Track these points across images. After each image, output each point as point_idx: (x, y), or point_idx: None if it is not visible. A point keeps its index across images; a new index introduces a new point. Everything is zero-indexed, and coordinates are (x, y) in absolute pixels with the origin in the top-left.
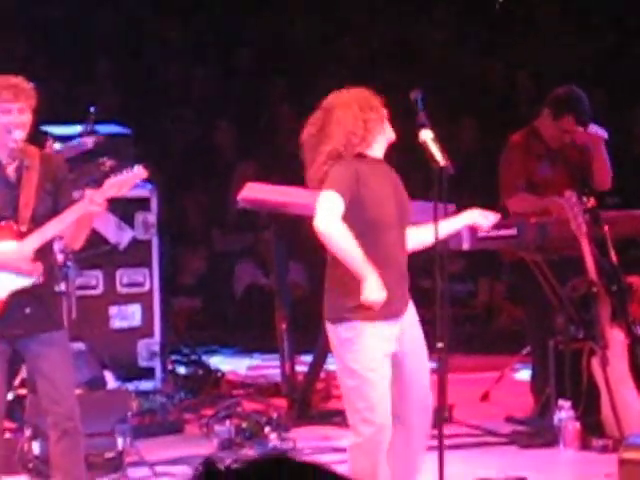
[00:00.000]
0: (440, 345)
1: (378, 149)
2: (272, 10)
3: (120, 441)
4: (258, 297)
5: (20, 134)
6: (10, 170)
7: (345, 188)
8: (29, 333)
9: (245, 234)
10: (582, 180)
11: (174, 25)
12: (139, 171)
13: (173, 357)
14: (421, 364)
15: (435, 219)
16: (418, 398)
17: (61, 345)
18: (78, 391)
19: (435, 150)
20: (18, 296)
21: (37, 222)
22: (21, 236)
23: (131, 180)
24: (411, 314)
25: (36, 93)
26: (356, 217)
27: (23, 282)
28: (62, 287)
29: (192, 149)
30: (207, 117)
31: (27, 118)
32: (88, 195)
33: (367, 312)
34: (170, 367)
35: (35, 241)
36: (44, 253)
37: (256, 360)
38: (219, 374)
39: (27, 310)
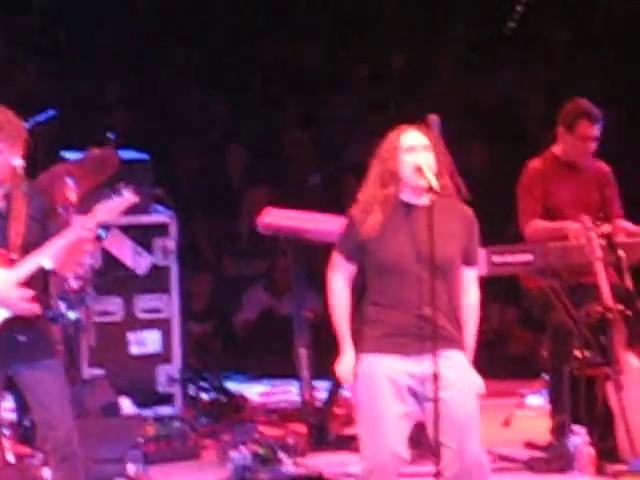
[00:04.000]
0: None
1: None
2: (286, 34)
3: (131, 467)
4: (270, 322)
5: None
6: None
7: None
8: (23, 360)
9: (256, 259)
10: (599, 205)
11: (187, 49)
12: (129, 196)
13: (198, 383)
14: (457, 412)
15: None
16: (455, 447)
17: (55, 371)
18: (88, 418)
19: (430, 176)
20: (10, 323)
21: (28, 250)
22: (11, 264)
23: (121, 205)
24: (452, 360)
25: (22, 130)
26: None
27: (13, 311)
28: (78, 313)
29: (203, 174)
30: (218, 142)
31: (2, 159)
32: (78, 221)
33: (370, 343)
34: (192, 393)
35: (25, 268)
36: (35, 280)
37: (267, 386)
38: (241, 400)
39: (21, 338)
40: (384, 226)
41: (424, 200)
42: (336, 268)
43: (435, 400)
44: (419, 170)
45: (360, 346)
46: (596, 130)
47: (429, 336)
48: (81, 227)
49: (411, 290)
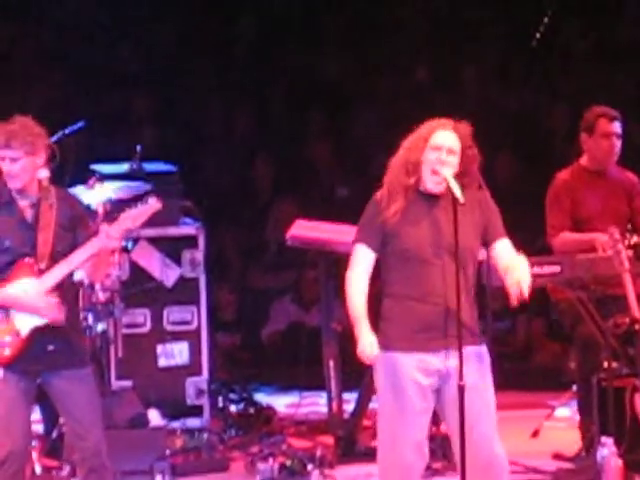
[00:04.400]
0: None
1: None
2: (310, 46)
3: (159, 479)
4: (297, 334)
5: (21, 180)
6: (26, 209)
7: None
8: (52, 370)
9: (283, 272)
10: (627, 216)
11: (212, 63)
12: (154, 203)
13: (227, 394)
14: (476, 410)
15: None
16: (474, 449)
17: (85, 381)
18: (116, 429)
19: (455, 187)
20: (40, 333)
21: (56, 259)
22: (40, 273)
23: (146, 212)
24: (473, 355)
25: (41, 137)
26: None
27: (43, 319)
28: (106, 325)
29: (230, 186)
30: (245, 154)
31: (20, 166)
32: (104, 230)
33: (393, 341)
34: (221, 404)
35: (53, 278)
36: (64, 289)
37: (294, 397)
38: (270, 411)
39: (50, 347)
40: (405, 215)
41: (443, 189)
42: (355, 262)
43: (461, 413)
44: (437, 174)
45: (382, 342)
46: (616, 127)
47: (452, 331)
48: (107, 236)
49: (434, 281)
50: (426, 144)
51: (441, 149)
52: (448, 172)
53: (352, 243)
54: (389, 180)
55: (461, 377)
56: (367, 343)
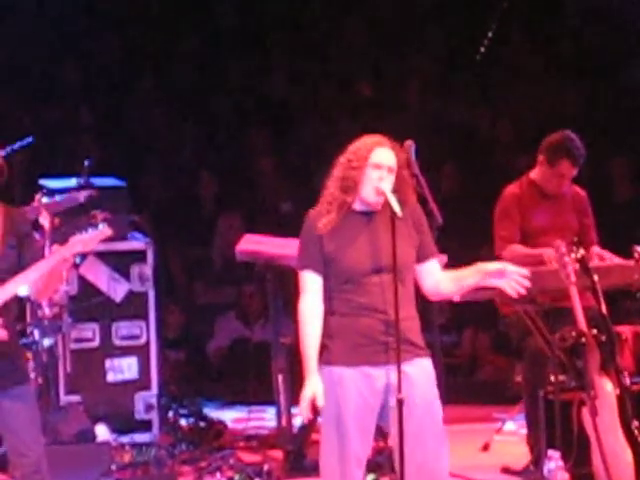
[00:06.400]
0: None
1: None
2: (253, 63)
3: None
4: (242, 349)
5: None
6: None
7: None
8: None
9: (227, 287)
10: (575, 230)
11: (155, 78)
12: (105, 230)
13: (177, 409)
14: (420, 424)
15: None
16: (417, 462)
17: (26, 398)
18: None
19: (394, 202)
20: None
21: (1, 277)
22: None
23: (96, 238)
24: (416, 367)
25: None
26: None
27: None
28: (53, 340)
29: (175, 201)
30: (189, 169)
31: None
32: (55, 251)
33: (337, 355)
34: (172, 419)
35: (1, 296)
36: (9, 307)
37: (241, 412)
38: (221, 426)
39: None
40: (343, 234)
41: (378, 207)
42: (304, 289)
43: (400, 428)
44: (381, 194)
45: (326, 358)
46: (576, 171)
47: (395, 344)
48: (57, 259)
49: (374, 296)
50: (366, 162)
51: (382, 167)
52: (387, 187)
53: (297, 268)
54: (324, 197)
55: (399, 390)
56: (309, 393)
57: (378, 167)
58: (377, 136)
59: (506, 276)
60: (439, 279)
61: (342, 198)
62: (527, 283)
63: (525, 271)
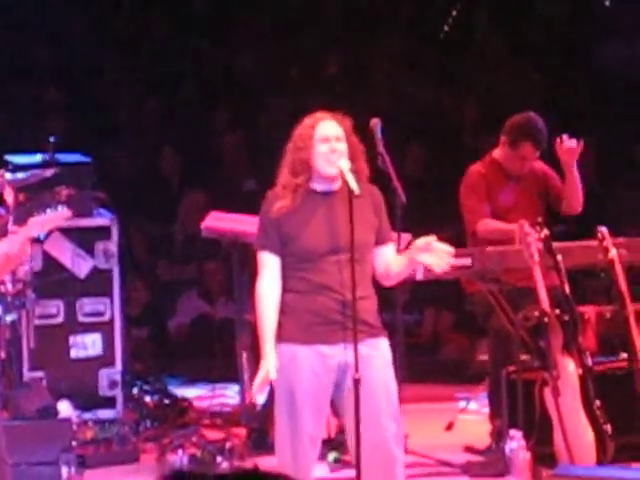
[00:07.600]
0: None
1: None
2: (219, 40)
3: (65, 470)
4: (204, 326)
5: None
6: None
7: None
8: None
9: (190, 264)
10: (541, 208)
11: (121, 53)
12: (63, 212)
13: (141, 386)
14: (375, 403)
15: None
16: (372, 442)
17: None
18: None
19: (352, 180)
20: None
21: None
22: None
23: (55, 220)
24: (372, 347)
25: None
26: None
27: None
28: (16, 316)
29: (138, 178)
30: (153, 145)
31: None
32: (13, 231)
33: (292, 333)
34: (136, 396)
35: None
36: None
37: (203, 390)
38: (186, 403)
39: None
40: (300, 215)
41: (336, 186)
42: (262, 269)
43: (356, 407)
44: (337, 167)
45: (282, 335)
46: (538, 153)
47: (351, 324)
48: (14, 241)
49: (331, 275)
50: (312, 140)
51: (329, 139)
52: (344, 164)
53: (255, 249)
54: (279, 181)
55: (357, 369)
56: (263, 372)
57: (326, 140)
58: (317, 112)
59: (431, 251)
60: (390, 262)
61: (294, 182)
62: (452, 260)
63: (450, 249)
